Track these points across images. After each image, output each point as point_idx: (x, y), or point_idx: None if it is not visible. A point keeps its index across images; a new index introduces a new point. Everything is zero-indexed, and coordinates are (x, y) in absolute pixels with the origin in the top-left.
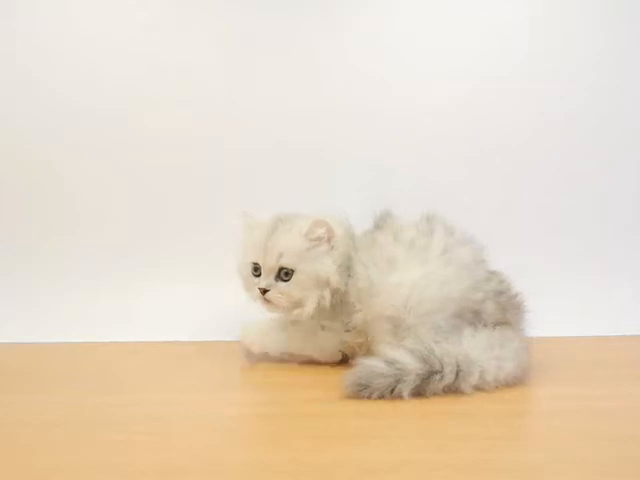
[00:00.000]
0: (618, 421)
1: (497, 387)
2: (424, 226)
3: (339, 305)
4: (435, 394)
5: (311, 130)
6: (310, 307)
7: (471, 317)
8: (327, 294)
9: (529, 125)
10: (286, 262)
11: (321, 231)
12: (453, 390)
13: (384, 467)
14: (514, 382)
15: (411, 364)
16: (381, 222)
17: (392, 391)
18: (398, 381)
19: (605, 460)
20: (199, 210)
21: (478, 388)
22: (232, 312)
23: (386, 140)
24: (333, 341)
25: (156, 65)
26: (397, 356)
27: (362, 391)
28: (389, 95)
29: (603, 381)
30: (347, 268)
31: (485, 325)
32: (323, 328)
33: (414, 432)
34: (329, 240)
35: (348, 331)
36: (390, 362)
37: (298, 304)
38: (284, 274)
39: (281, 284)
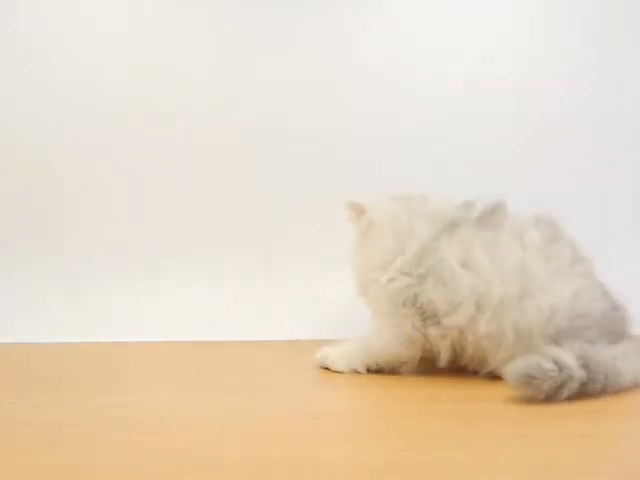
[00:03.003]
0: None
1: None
2: (546, 231)
3: (409, 300)
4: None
5: (311, 130)
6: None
7: (609, 328)
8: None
9: (529, 125)
10: None
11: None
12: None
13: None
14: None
15: (576, 370)
16: (493, 218)
17: (554, 394)
18: (562, 386)
19: None
20: (199, 210)
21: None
22: (232, 312)
23: (386, 140)
24: (397, 333)
25: (156, 65)
26: (565, 359)
27: (529, 383)
28: (389, 95)
29: None
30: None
31: (614, 340)
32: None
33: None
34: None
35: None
36: (560, 365)
37: None
38: None
39: None
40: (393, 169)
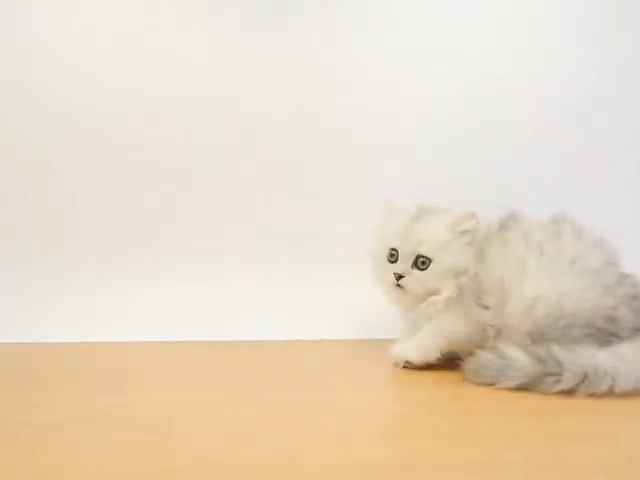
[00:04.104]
0: None
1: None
2: (551, 228)
3: (468, 287)
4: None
5: (311, 130)
6: (447, 293)
7: (607, 325)
8: (464, 279)
9: (529, 125)
10: (425, 251)
11: (471, 223)
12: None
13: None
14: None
15: (522, 362)
16: (508, 224)
17: (496, 380)
18: (502, 373)
19: None
20: (199, 210)
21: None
22: (232, 312)
23: (385, 140)
24: (467, 321)
25: (156, 65)
26: (508, 352)
27: (475, 372)
28: (388, 95)
29: None
30: (480, 253)
31: (622, 335)
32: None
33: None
34: (473, 233)
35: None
36: (501, 355)
37: (432, 292)
38: (421, 262)
39: (417, 272)
40: (392, 169)
